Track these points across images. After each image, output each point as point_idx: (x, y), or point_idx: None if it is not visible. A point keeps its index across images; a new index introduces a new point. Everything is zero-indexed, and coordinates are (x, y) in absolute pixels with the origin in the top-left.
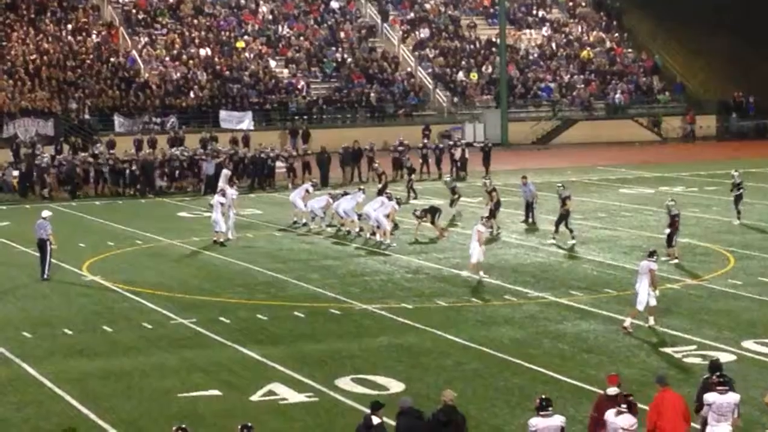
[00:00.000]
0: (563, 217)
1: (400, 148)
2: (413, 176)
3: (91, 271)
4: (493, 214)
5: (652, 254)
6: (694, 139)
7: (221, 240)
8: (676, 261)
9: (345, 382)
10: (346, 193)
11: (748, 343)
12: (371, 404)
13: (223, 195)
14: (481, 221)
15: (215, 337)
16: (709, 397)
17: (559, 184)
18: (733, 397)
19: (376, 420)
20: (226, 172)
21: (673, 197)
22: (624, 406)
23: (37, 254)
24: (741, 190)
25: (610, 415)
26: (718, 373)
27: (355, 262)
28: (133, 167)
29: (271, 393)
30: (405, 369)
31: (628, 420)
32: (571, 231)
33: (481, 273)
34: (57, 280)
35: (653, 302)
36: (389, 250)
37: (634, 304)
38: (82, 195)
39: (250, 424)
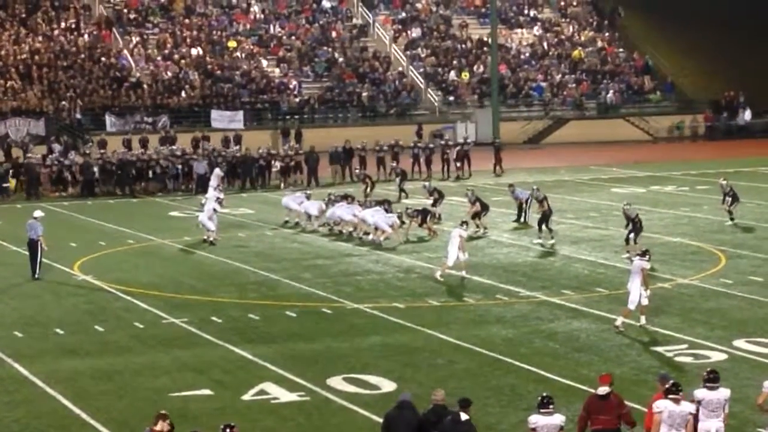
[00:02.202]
0: (545, 218)
1: (385, 148)
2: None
3: (83, 270)
4: (478, 215)
5: (644, 254)
6: (711, 138)
7: (212, 239)
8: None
9: (337, 382)
10: (342, 198)
11: (740, 342)
12: (460, 401)
13: (219, 200)
14: (461, 226)
15: (207, 336)
16: (699, 393)
17: (535, 187)
18: (723, 393)
19: (464, 416)
20: (218, 173)
21: (629, 201)
22: (682, 394)
23: (26, 252)
24: (731, 196)
25: (666, 404)
26: (708, 369)
27: (347, 262)
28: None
29: (262, 392)
30: (397, 368)
31: (692, 406)
32: (550, 231)
33: (464, 272)
34: (48, 279)
35: (645, 301)
36: (380, 249)
37: (627, 303)
38: (100, 194)
39: (233, 424)
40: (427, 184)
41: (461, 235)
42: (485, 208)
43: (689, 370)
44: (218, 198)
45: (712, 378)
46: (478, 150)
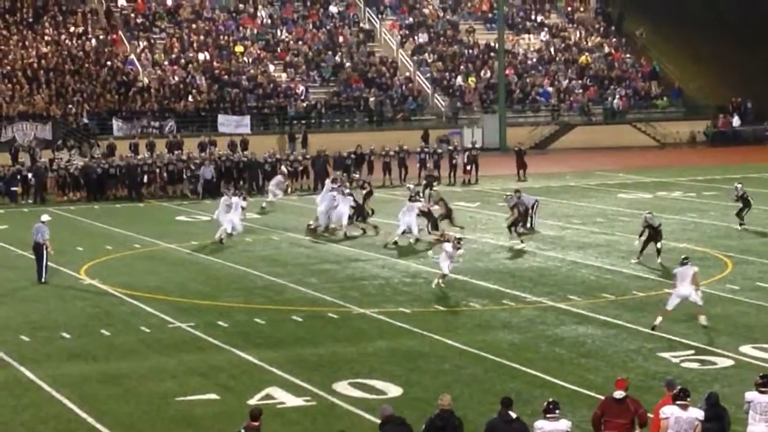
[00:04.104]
0: (515, 223)
1: (392, 153)
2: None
3: (89, 274)
4: (448, 219)
5: (686, 260)
6: (729, 143)
7: (222, 238)
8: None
9: (343, 387)
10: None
11: (746, 348)
12: (503, 400)
13: (244, 199)
14: (452, 242)
15: (213, 340)
16: (749, 395)
17: (509, 194)
18: None
19: (513, 414)
20: (280, 179)
21: (650, 210)
22: (689, 399)
23: (32, 255)
24: (743, 200)
25: (673, 409)
26: (762, 374)
27: (354, 267)
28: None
29: (268, 397)
30: (403, 373)
31: (700, 412)
32: (519, 235)
33: (439, 281)
34: (55, 283)
35: (700, 302)
36: (387, 254)
37: (665, 305)
38: (111, 197)
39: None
40: (411, 186)
41: (447, 249)
42: (449, 212)
43: (696, 375)
44: (244, 198)
45: (765, 382)
46: (483, 155)
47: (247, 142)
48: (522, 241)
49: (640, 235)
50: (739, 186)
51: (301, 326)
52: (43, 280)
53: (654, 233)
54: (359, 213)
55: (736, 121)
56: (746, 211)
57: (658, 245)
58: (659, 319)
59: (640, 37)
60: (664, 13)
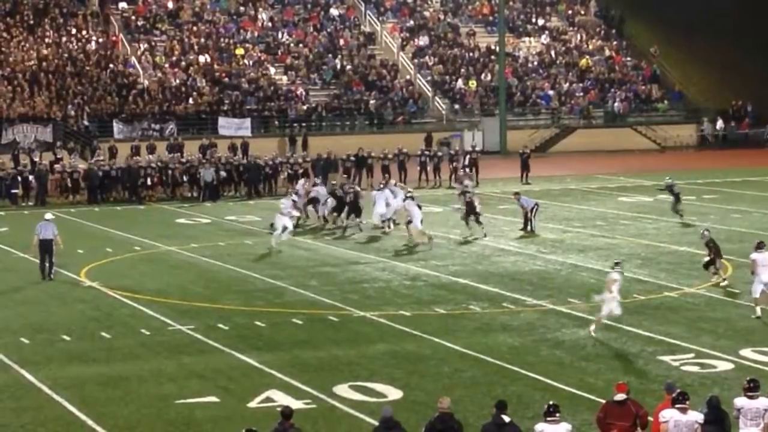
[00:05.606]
0: (469, 213)
1: (390, 156)
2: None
3: (90, 277)
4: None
5: (762, 244)
6: (748, 146)
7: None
8: (725, 282)
9: (343, 389)
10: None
11: (746, 352)
12: (498, 403)
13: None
14: (614, 268)
15: (213, 343)
16: (738, 401)
17: (467, 182)
18: (762, 402)
19: (506, 419)
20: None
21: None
22: (688, 403)
23: (35, 260)
24: (672, 192)
25: (673, 413)
26: (748, 378)
27: (354, 269)
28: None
29: (268, 399)
30: (403, 376)
31: (699, 415)
32: (472, 224)
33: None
34: (55, 285)
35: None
36: (387, 257)
37: (755, 293)
38: (111, 199)
39: (255, 429)
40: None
41: (616, 278)
42: (342, 209)
43: (696, 379)
44: (294, 201)
45: (753, 387)
46: (483, 158)
47: (248, 145)
48: (471, 234)
49: (708, 256)
50: (668, 179)
51: (301, 329)
52: (51, 276)
53: (716, 249)
54: (312, 202)
55: (719, 125)
56: (679, 205)
57: (716, 263)
58: (758, 309)
59: (654, 54)
60: (664, 16)
